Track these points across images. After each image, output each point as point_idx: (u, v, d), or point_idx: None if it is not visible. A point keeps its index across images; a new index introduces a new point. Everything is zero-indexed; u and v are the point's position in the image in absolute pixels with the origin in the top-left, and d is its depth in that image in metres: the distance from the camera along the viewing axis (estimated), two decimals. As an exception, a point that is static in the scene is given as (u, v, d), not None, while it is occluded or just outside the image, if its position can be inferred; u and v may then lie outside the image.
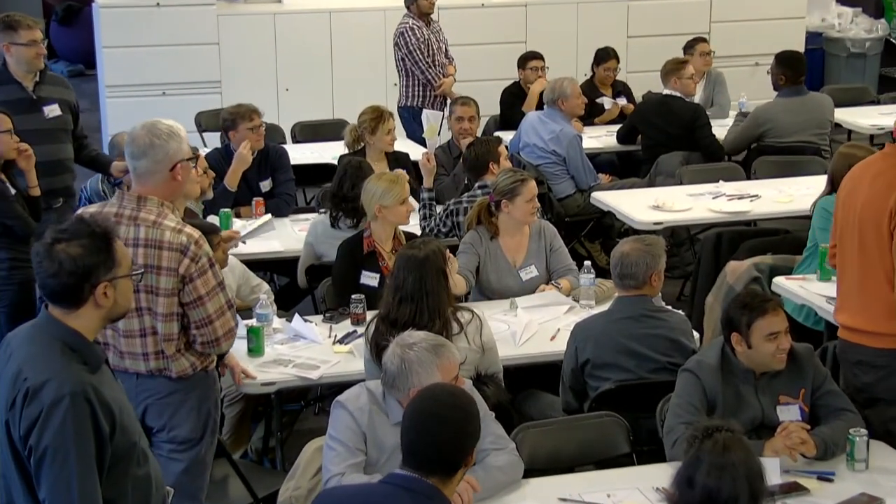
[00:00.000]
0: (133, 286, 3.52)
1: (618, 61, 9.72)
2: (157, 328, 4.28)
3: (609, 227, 8.32)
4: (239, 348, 5.24)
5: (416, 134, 9.16)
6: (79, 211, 4.40)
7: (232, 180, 7.10)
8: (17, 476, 3.30)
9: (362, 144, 7.46)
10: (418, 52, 9.20)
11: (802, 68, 8.79)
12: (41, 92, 6.53)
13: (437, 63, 9.21)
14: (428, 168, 7.01)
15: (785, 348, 4.43)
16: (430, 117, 7.71)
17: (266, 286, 6.16)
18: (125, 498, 3.36)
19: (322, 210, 6.86)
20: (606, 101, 9.45)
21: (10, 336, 3.48)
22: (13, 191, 5.93)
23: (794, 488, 4.13)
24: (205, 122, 9.52)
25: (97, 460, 3.24)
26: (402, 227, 6.08)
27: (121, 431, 3.31)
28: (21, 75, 6.48)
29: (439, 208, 6.84)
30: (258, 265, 6.79)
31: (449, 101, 8.77)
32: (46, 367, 3.25)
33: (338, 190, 6.43)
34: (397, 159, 7.46)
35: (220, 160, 7.25)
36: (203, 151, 7.48)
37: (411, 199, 6.18)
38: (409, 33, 9.24)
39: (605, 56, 9.66)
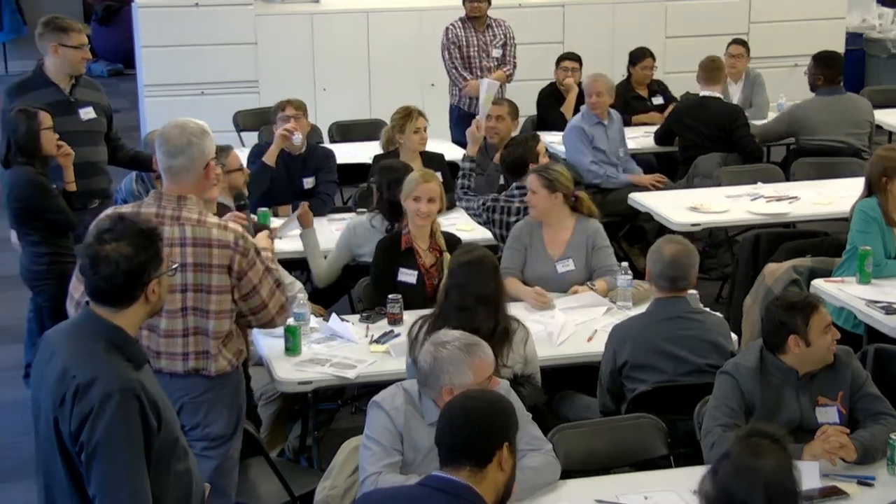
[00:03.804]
0: (170, 282, 3.55)
1: (654, 59, 9.68)
2: (201, 327, 4.31)
3: (644, 232, 8.27)
4: (276, 347, 5.27)
5: (454, 134, 9.25)
6: (109, 210, 4.39)
7: (269, 157, 7.25)
8: (63, 473, 3.31)
9: (396, 145, 7.48)
10: (446, 52, 9.31)
11: (840, 68, 8.76)
12: (77, 94, 6.58)
13: (472, 65, 9.22)
14: (475, 137, 7.15)
15: (837, 337, 4.45)
16: (488, 87, 7.78)
17: (299, 284, 6.17)
18: (166, 493, 3.38)
19: (360, 210, 6.86)
20: None
21: (49, 334, 3.50)
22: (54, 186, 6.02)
23: (833, 492, 4.09)
24: (242, 121, 9.57)
25: (145, 456, 3.26)
26: (441, 228, 6.08)
27: (165, 427, 3.33)
28: (59, 78, 6.53)
29: (465, 202, 6.92)
30: (294, 264, 6.80)
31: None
32: (93, 365, 3.27)
33: (379, 197, 6.41)
34: (431, 159, 7.47)
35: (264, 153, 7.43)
36: (241, 151, 7.52)
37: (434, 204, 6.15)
38: (444, 33, 9.34)
39: (640, 55, 9.63)
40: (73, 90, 6.57)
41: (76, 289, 4.35)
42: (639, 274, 6.12)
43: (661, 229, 7.69)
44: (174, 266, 3.63)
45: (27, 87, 6.53)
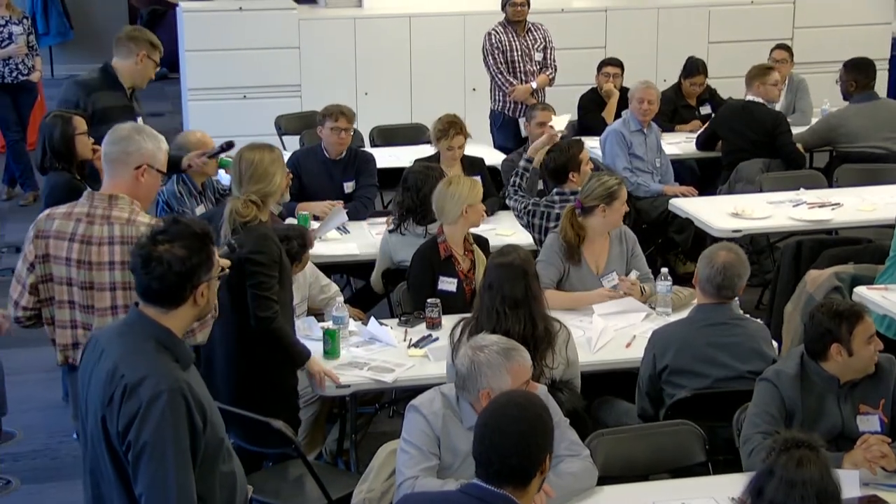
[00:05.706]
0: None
1: (706, 76, 9.62)
2: None
3: (676, 244, 8.20)
4: (315, 350, 5.28)
5: (497, 139, 9.27)
6: (47, 212, 4.49)
7: (300, 209, 7.08)
8: (111, 472, 3.34)
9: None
10: (490, 57, 9.27)
11: (873, 73, 8.72)
12: (133, 104, 6.85)
13: (517, 70, 9.21)
14: (543, 143, 7.04)
15: (880, 348, 4.43)
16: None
17: (335, 286, 6.18)
18: (213, 494, 3.40)
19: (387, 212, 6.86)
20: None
21: (98, 335, 3.53)
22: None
23: (873, 501, 4.07)
24: (284, 125, 9.61)
25: (191, 456, 3.28)
26: (472, 230, 6.08)
27: (210, 428, 3.35)
28: (127, 84, 6.83)
29: (513, 202, 6.88)
30: (335, 268, 6.82)
31: (528, 106, 8.77)
32: (142, 364, 3.29)
33: (402, 199, 6.41)
34: (472, 164, 7.46)
35: (305, 158, 7.46)
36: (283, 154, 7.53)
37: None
38: (487, 37, 9.31)
39: (693, 71, 9.55)
40: (131, 99, 6.81)
41: (14, 289, 4.42)
42: (678, 279, 6.10)
43: (695, 241, 7.69)
44: (224, 271, 3.64)
45: (96, 86, 6.69)
